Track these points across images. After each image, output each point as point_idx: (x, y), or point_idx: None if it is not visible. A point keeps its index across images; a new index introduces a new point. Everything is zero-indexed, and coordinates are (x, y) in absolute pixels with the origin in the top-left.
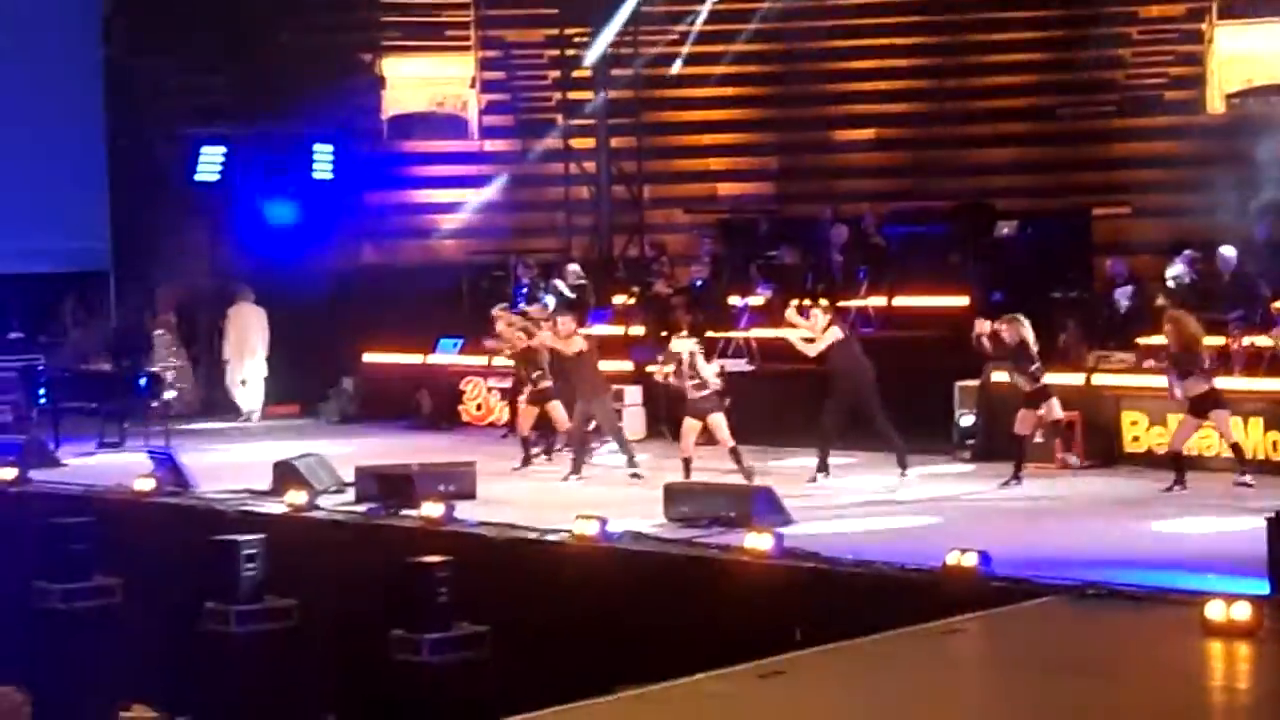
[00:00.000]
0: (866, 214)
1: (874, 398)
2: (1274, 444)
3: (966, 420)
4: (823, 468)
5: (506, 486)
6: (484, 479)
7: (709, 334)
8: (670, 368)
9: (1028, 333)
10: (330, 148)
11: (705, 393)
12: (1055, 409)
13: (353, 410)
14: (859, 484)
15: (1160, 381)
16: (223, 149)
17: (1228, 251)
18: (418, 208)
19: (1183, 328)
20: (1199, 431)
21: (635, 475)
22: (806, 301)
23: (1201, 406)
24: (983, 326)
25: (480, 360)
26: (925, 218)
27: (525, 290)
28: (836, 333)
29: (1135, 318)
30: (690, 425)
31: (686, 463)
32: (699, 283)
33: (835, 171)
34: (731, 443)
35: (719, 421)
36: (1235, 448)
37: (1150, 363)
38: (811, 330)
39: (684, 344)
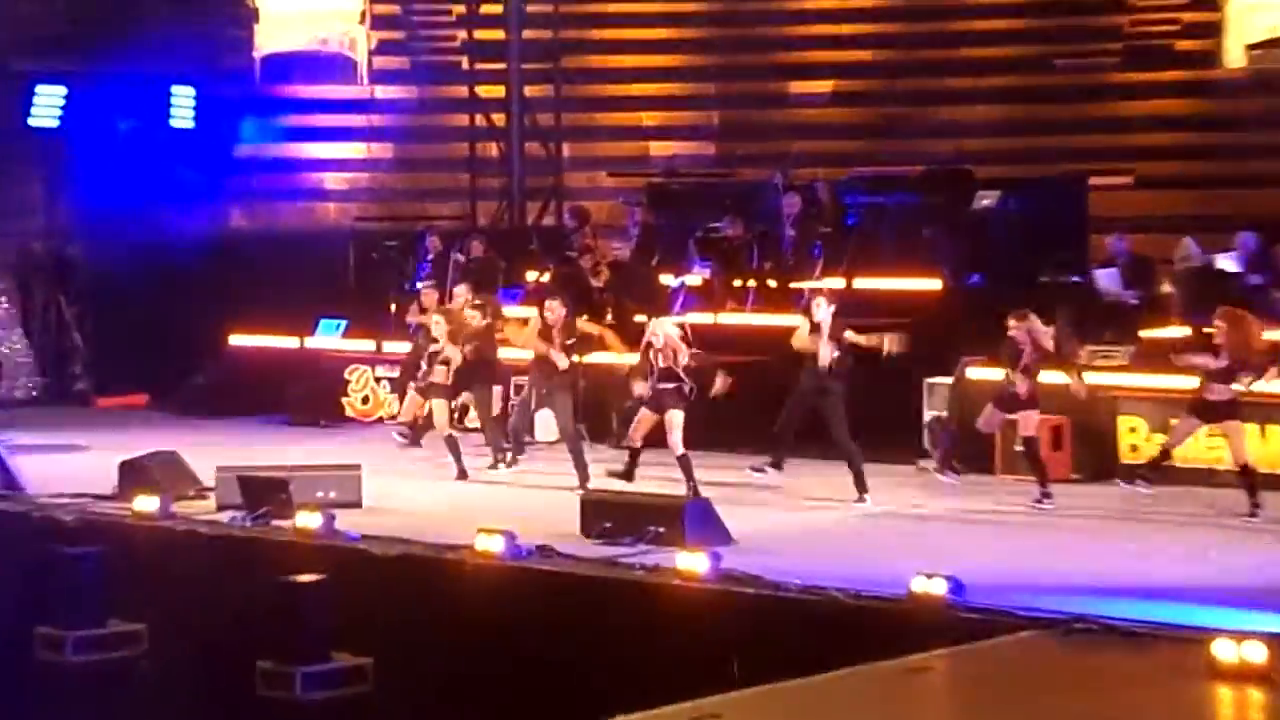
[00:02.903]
0: (820, 180)
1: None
2: None
3: (937, 421)
4: (778, 463)
5: (397, 493)
6: (371, 484)
7: (636, 319)
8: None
9: (1040, 329)
10: (192, 91)
11: (673, 384)
12: (1030, 423)
13: (204, 402)
14: (809, 496)
15: (1163, 381)
16: (62, 90)
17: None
18: (296, 164)
19: (1241, 327)
20: (1195, 435)
21: (584, 485)
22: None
23: (1213, 411)
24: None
25: (368, 345)
26: (892, 186)
27: (429, 265)
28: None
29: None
30: (647, 417)
31: (633, 454)
32: (625, 258)
33: (787, 130)
34: (682, 450)
35: (677, 421)
36: (1245, 470)
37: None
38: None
39: (665, 324)
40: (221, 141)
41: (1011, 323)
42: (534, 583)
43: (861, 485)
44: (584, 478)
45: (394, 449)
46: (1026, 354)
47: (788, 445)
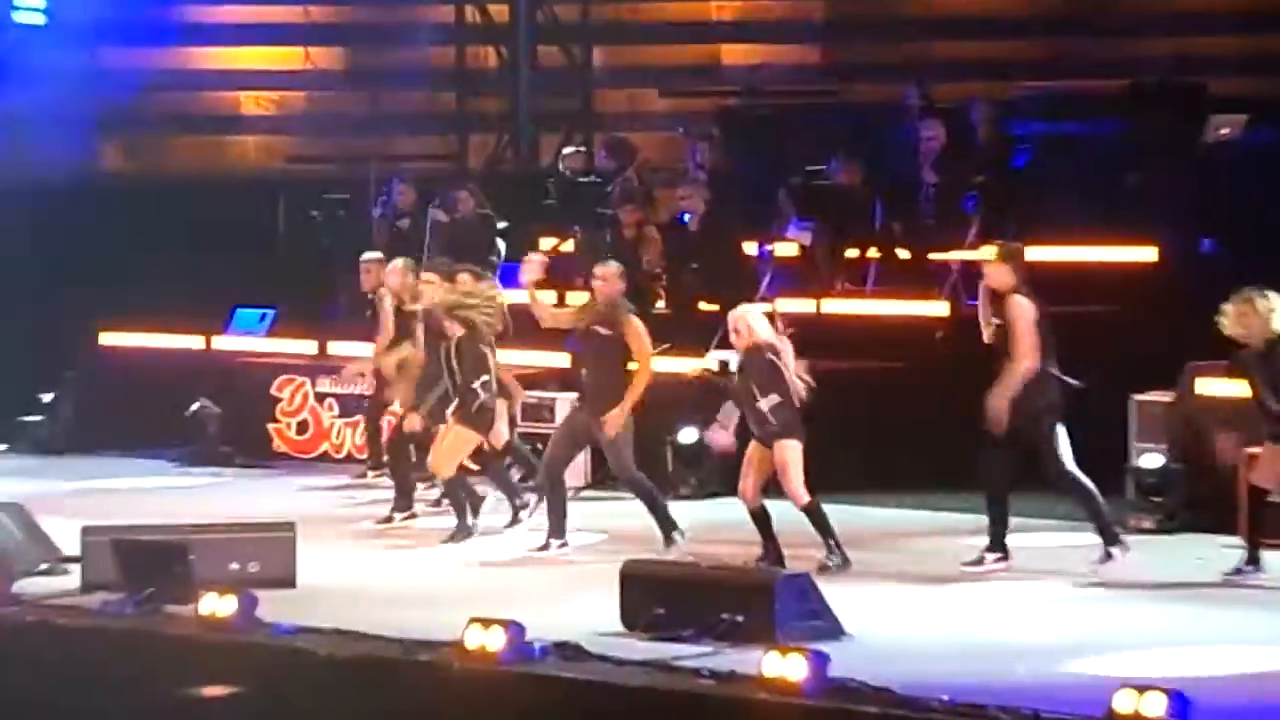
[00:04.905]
0: (976, 101)
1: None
2: None
3: (1151, 460)
4: (997, 544)
5: (350, 565)
6: (312, 551)
7: (702, 305)
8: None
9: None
10: None
11: (779, 401)
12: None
13: (62, 433)
14: (967, 560)
15: None
16: None
17: None
18: (199, 79)
19: None
20: None
21: (672, 541)
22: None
23: None
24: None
25: (306, 347)
26: (1082, 108)
27: (381, 219)
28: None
29: None
30: (757, 457)
31: (758, 518)
32: (687, 217)
33: (924, 27)
34: (806, 496)
35: (793, 455)
36: None
37: None
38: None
39: (750, 313)
40: (87, 45)
41: (1229, 310)
42: (549, 696)
43: (1109, 536)
44: (667, 527)
45: (343, 500)
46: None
47: (1006, 505)
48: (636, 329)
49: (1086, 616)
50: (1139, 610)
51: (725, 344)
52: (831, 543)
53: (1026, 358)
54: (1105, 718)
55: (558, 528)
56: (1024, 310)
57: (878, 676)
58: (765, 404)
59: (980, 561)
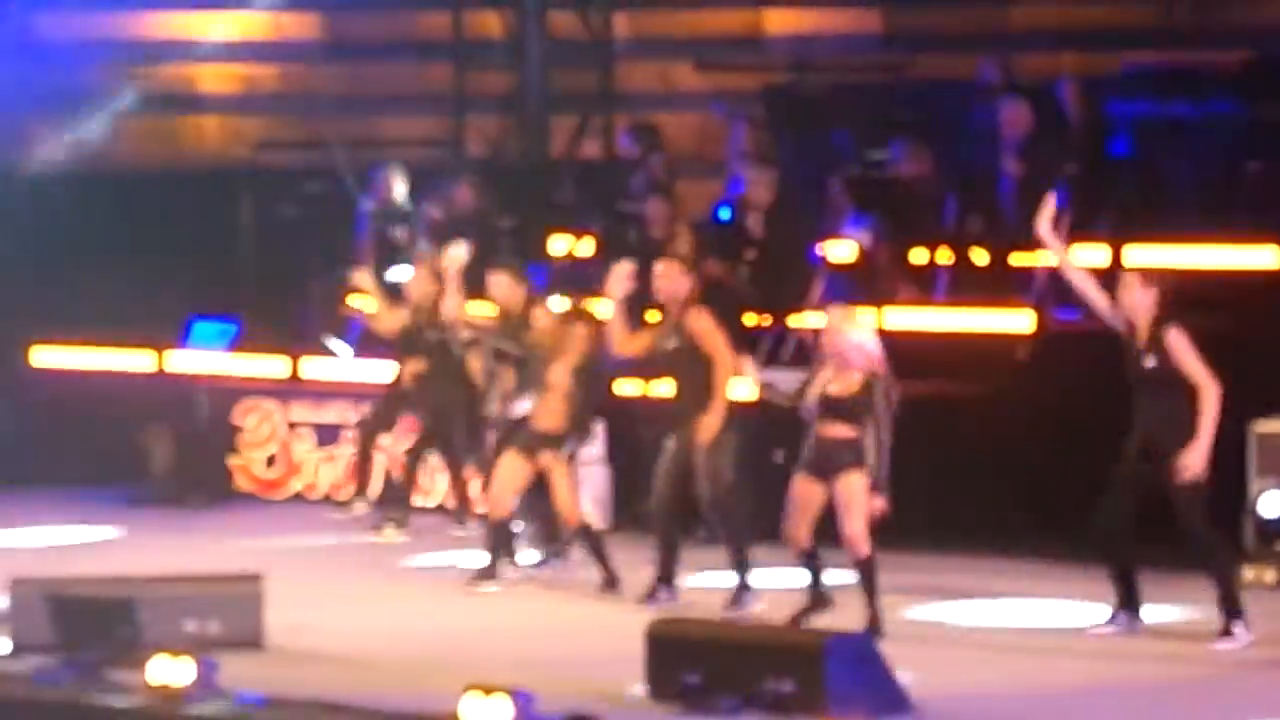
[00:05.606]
0: (1066, 78)
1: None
2: None
3: (1275, 501)
4: (1128, 600)
5: (327, 623)
6: (283, 607)
7: (748, 321)
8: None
9: None
10: None
11: (852, 432)
12: None
13: None
14: (1058, 623)
15: None
16: None
17: None
18: (146, 50)
19: None
20: None
21: (741, 603)
22: None
23: None
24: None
25: (276, 367)
26: (1192, 87)
27: (367, 219)
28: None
29: None
30: (806, 490)
31: (808, 560)
32: (726, 213)
33: None
34: (866, 549)
35: (857, 492)
36: None
37: None
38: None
39: (865, 328)
40: (14, 12)
41: None
42: None
43: (1232, 607)
44: (745, 585)
45: (319, 546)
46: None
47: (1130, 550)
48: (708, 325)
49: (1206, 689)
50: (1270, 677)
51: (772, 362)
52: (875, 609)
53: (1215, 383)
54: None
55: (668, 572)
56: (1187, 339)
57: None
58: (866, 436)
59: (1113, 621)
